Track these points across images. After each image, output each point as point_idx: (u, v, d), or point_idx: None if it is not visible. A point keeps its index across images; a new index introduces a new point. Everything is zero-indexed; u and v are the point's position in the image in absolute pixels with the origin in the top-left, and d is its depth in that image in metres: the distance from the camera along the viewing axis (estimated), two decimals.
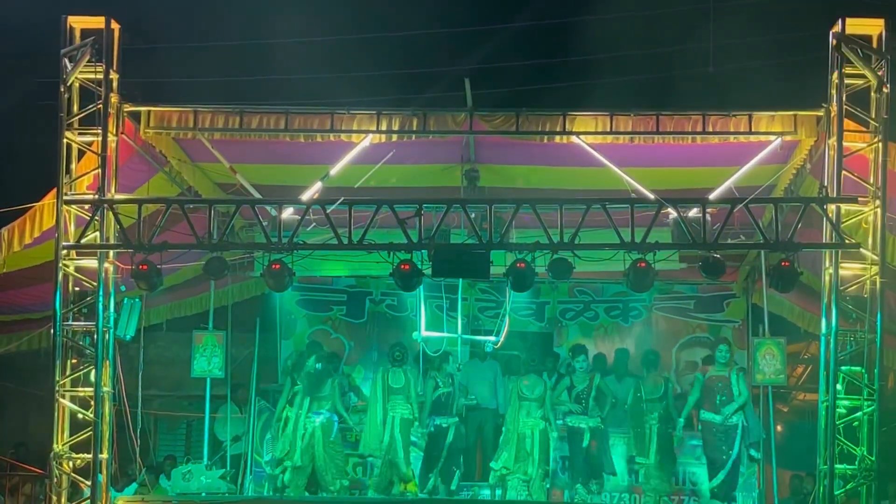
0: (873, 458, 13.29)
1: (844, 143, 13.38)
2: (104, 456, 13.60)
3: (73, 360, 13.78)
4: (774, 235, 13.60)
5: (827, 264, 13.52)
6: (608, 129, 14.03)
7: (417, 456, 16.00)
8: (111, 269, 13.80)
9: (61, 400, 13.59)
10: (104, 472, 13.59)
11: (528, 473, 15.40)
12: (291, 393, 15.76)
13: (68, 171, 13.74)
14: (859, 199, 13.40)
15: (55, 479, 13.53)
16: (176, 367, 19.01)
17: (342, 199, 13.68)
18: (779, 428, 17.76)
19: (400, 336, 17.92)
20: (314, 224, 13.99)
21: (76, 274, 13.74)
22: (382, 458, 15.57)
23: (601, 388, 15.84)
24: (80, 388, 13.71)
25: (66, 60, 13.64)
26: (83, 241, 13.64)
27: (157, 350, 19.32)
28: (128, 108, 13.98)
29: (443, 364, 16.11)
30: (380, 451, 15.61)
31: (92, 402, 13.58)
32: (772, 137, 14.04)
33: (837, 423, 13.37)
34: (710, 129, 14.01)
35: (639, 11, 20.78)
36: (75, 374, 13.73)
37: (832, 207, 13.41)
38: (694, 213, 13.77)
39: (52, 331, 13.67)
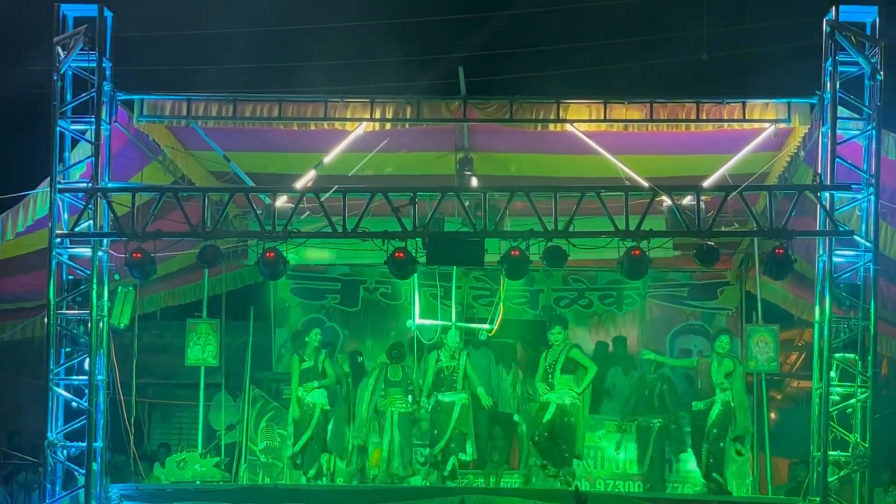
0: (867, 445, 13.32)
1: (838, 131, 13.39)
2: (98, 444, 13.61)
3: (67, 349, 13.78)
4: (768, 223, 13.61)
5: (821, 251, 13.54)
6: (602, 117, 14.03)
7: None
8: (105, 257, 13.79)
9: (55, 388, 13.58)
10: (99, 460, 13.60)
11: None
12: (300, 371, 15.64)
13: (62, 159, 13.72)
14: (853, 186, 13.41)
15: (49, 468, 13.53)
16: (170, 355, 19.01)
17: (336, 187, 13.67)
18: (772, 415, 17.78)
19: (394, 324, 17.96)
20: (308, 212, 13.98)
21: (70, 262, 13.73)
22: (380, 453, 15.57)
23: (573, 359, 15.31)
24: (74, 377, 13.70)
25: (59, 48, 13.60)
26: (77, 229, 13.63)
27: (151, 338, 19.31)
28: (121, 96, 13.97)
29: (443, 338, 15.88)
30: (364, 437, 15.65)
31: (86, 391, 13.58)
32: (766, 125, 14.04)
33: (831, 410, 13.39)
34: (704, 117, 14.01)
35: None
36: (69, 363, 13.73)
37: (826, 195, 13.42)
38: (688, 200, 13.77)
39: (45, 319, 13.67)
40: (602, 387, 17.22)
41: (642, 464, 15.71)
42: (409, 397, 15.57)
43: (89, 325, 13.61)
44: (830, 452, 13.33)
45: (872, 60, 13.33)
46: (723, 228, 14.33)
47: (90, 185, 13.61)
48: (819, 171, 13.52)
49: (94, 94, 13.64)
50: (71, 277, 13.78)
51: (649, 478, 15.65)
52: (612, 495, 15.53)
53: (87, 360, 13.61)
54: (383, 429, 15.53)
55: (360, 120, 14.13)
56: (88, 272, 13.65)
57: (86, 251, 13.70)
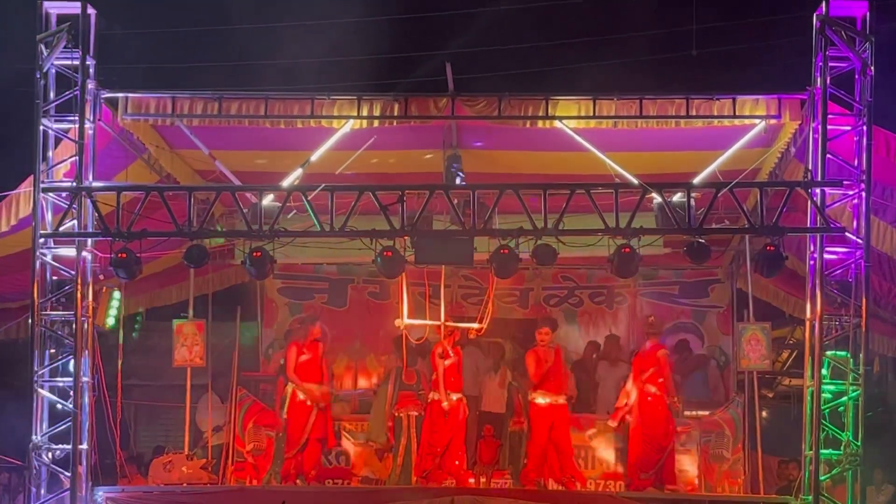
0: (858, 444, 13.28)
1: (829, 127, 13.33)
2: (84, 447, 13.48)
3: (52, 350, 13.67)
4: (759, 220, 13.54)
5: (812, 248, 13.46)
6: (591, 114, 13.96)
7: None
8: (89, 257, 13.66)
9: (40, 390, 13.48)
10: (85, 462, 13.47)
11: None
12: (297, 363, 15.42)
13: (45, 158, 13.62)
14: (844, 182, 13.33)
15: (34, 471, 13.40)
16: (156, 356, 18.83)
17: (323, 185, 13.56)
18: (764, 414, 17.73)
19: (384, 323, 17.82)
20: (294, 211, 13.87)
21: (54, 263, 13.61)
22: (395, 456, 15.57)
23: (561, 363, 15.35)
24: (58, 378, 13.60)
25: (42, 46, 13.51)
26: (61, 229, 13.51)
27: (136, 339, 19.18)
28: (105, 94, 13.85)
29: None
30: (384, 437, 15.66)
31: (71, 393, 13.46)
32: (756, 121, 13.97)
33: (823, 408, 13.34)
34: (694, 113, 13.96)
35: None
36: (54, 364, 13.64)
37: (817, 191, 13.34)
38: (678, 197, 13.68)
39: (29, 320, 13.53)
40: (591, 386, 17.15)
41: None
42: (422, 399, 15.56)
43: (74, 326, 13.51)
44: (822, 451, 13.27)
45: (863, 55, 13.28)
46: (713, 225, 14.23)
47: (74, 184, 13.50)
48: (810, 167, 13.45)
49: (77, 92, 13.54)
50: (55, 278, 13.67)
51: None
52: (603, 495, 15.44)
53: (72, 361, 13.51)
54: (398, 433, 15.54)
55: (348, 117, 14.05)
56: (73, 273, 13.53)
57: (70, 251, 13.59)
